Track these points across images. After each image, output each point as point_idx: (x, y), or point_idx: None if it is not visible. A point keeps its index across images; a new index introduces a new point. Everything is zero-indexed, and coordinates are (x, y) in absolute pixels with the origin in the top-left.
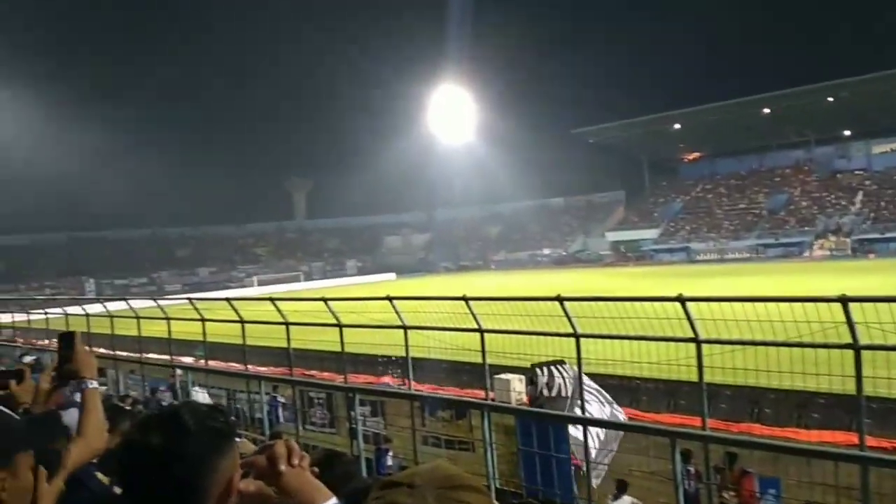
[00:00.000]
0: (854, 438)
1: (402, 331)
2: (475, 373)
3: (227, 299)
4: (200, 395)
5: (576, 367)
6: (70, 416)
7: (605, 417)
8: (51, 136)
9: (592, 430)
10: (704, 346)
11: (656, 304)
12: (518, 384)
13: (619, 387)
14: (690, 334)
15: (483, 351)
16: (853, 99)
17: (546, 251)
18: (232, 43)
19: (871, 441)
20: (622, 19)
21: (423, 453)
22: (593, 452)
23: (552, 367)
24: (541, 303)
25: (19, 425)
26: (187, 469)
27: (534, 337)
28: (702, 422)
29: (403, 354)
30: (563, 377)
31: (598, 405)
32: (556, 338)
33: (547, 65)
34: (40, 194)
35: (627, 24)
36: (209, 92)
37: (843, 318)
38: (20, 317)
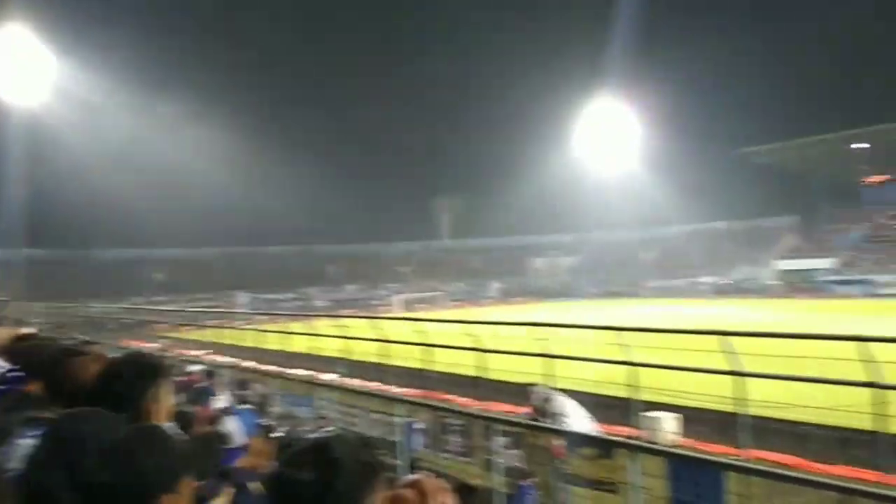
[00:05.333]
0: None
1: (547, 359)
2: (623, 409)
3: (370, 317)
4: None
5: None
6: (229, 424)
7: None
8: (211, 154)
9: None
10: (889, 393)
11: (831, 343)
12: (671, 423)
13: (785, 432)
14: (870, 378)
15: (632, 385)
16: None
17: (706, 279)
18: (384, 62)
19: None
20: (800, 29)
21: (561, 491)
22: None
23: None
24: (700, 336)
25: (185, 446)
26: None
27: (689, 373)
28: (881, 477)
29: (545, 384)
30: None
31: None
32: (716, 375)
33: (714, 78)
34: (200, 210)
35: (805, 34)
36: (362, 113)
37: None
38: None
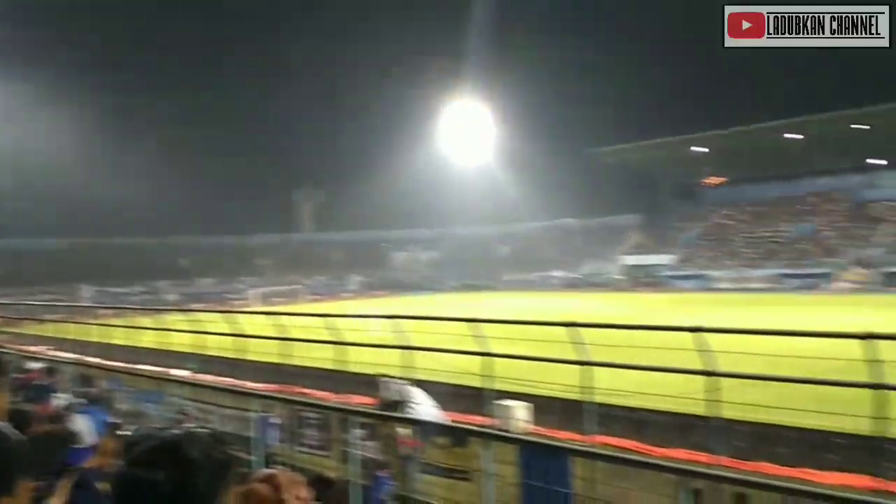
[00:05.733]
0: (875, 483)
1: (405, 350)
2: (479, 398)
3: (224, 311)
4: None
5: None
6: (79, 423)
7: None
8: (57, 141)
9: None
10: (721, 380)
11: (670, 333)
12: (522, 412)
13: (627, 418)
14: (705, 366)
15: (486, 375)
16: (886, 127)
17: (557, 273)
18: (244, 53)
19: (894, 486)
20: (649, 38)
21: (418, 482)
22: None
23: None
24: (550, 327)
25: (22, 447)
26: None
27: (541, 363)
28: (713, 459)
29: (404, 375)
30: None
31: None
32: (565, 364)
33: (567, 82)
34: (43, 199)
35: (654, 43)
36: (220, 101)
37: (867, 355)
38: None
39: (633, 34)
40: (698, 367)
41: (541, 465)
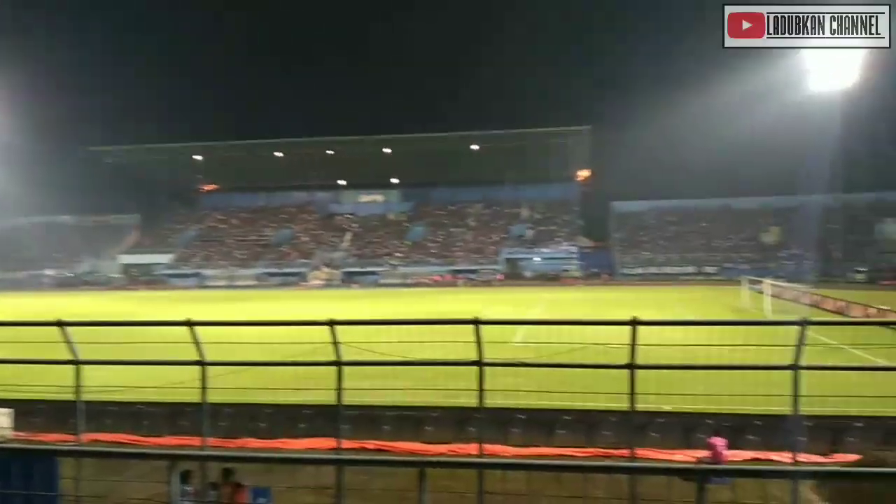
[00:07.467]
0: (335, 443)
1: None
2: None
3: None
4: None
5: None
6: None
7: None
8: None
9: None
10: (211, 368)
11: (164, 328)
12: (4, 419)
13: (121, 413)
14: (196, 357)
15: None
16: (346, 154)
17: (50, 272)
18: None
19: (347, 444)
20: (155, 42)
21: None
22: None
23: None
24: (39, 328)
25: None
26: None
27: (29, 365)
28: (202, 441)
29: None
30: None
31: None
32: (56, 365)
33: (66, 74)
34: None
35: (160, 47)
36: None
37: (330, 339)
38: None
39: (138, 41)
40: (193, 358)
41: (22, 471)
